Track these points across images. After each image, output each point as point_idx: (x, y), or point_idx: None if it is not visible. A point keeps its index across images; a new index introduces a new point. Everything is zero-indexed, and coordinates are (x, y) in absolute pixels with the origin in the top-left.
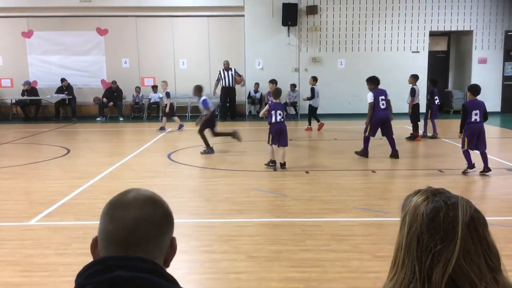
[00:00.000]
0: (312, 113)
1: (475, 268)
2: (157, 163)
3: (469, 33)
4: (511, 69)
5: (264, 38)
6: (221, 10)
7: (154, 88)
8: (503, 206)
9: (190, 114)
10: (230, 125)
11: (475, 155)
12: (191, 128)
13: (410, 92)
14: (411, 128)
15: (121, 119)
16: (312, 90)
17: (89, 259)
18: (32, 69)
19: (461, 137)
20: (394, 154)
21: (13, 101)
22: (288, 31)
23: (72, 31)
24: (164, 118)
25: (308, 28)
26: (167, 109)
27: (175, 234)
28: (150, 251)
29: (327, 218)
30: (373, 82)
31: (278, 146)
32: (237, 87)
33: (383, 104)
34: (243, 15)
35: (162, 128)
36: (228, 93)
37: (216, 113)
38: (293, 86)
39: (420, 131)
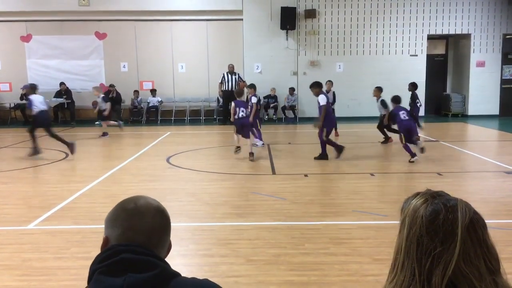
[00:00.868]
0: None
1: (475, 271)
2: (156, 167)
3: (467, 36)
4: (509, 73)
5: (263, 42)
6: (220, 14)
7: (153, 92)
8: (502, 209)
9: (188, 118)
10: (229, 128)
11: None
12: (190, 132)
13: (381, 104)
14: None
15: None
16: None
17: (88, 263)
18: (30, 73)
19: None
20: (324, 156)
21: (12, 105)
22: (287, 35)
23: (70, 35)
24: (105, 123)
25: (306, 32)
26: (106, 113)
27: (174, 237)
28: (159, 252)
29: (326, 222)
30: (318, 86)
31: (243, 136)
32: None
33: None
34: (241, 19)
35: (104, 134)
36: (230, 96)
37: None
38: (291, 90)
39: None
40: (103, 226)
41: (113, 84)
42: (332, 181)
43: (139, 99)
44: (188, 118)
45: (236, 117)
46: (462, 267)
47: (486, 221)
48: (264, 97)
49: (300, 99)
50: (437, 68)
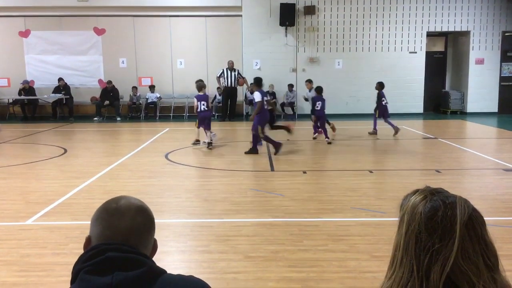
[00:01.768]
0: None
1: (473, 267)
2: (154, 163)
3: (466, 33)
4: (508, 70)
5: (262, 38)
6: (219, 10)
7: (152, 88)
8: (501, 206)
9: (187, 114)
10: (229, 125)
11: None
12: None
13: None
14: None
15: (118, 119)
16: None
17: None
18: (29, 68)
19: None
20: (254, 151)
21: (11, 100)
22: (286, 31)
23: (69, 30)
24: None
25: (305, 29)
26: None
27: (173, 233)
28: (141, 251)
29: (325, 218)
30: (258, 84)
31: (204, 130)
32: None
33: (265, 104)
34: (240, 15)
35: None
36: (229, 93)
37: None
38: (290, 87)
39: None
40: None
41: (111, 80)
42: (330, 178)
43: (138, 95)
44: (187, 114)
45: (198, 110)
46: (461, 264)
47: (484, 218)
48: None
49: (299, 96)
50: (436, 65)
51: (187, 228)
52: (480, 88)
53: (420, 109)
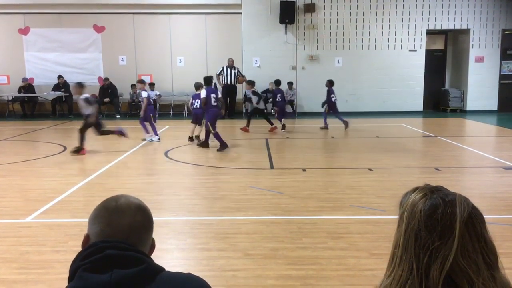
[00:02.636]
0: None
1: (473, 265)
2: (154, 160)
3: (466, 31)
4: (507, 68)
5: (262, 36)
6: (219, 8)
7: (151, 85)
8: (500, 204)
9: (187, 112)
10: (229, 123)
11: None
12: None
13: (252, 96)
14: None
15: (118, 116)
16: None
17: None
18: (28, 66)
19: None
20: (205, 145)
21: (10, 98)
22: (286, 29)
23: (69, 28)
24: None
25: (305, 26)
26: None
27: (173, 231)
28: (140, 249)
29: (324, 216)
30: (205, 81)
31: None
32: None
33: (215, 101)
34: (240, 13)
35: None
36: (229, 91)
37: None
38: (290, 84)
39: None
40: None
41: (107, 77)
42: (330, 175)
43: (137, 92)
44: (187, 112)
45: (192, 107)
46: (460, 262)
47: (484, 216)
48: (262, 92)
49: (299, 94)
50: (436, 63)
51: (186, 226)
52: (480, 86)
53: (419, 107)
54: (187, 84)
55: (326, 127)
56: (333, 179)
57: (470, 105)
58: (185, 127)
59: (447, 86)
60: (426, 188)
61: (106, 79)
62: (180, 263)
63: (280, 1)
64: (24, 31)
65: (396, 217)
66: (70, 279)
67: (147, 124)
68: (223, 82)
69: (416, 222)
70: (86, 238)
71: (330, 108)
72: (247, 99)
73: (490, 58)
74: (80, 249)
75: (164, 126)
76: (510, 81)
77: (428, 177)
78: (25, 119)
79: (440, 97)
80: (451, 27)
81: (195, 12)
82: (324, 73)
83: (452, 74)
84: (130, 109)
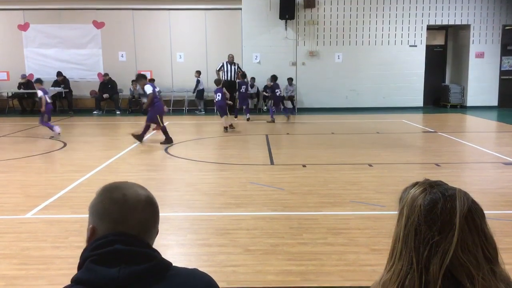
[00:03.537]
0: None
1: (473, 259)
2: (154, 156)
3: (466, 27)
4: (508, 64)
5: (262, 32)
6: (219, 3)
7: (151, 81)
8: (500, 199)
9: (187, 108)
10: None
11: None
12: (188, 122)
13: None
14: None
15: (118, 112)
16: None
17: None
18: (28, 62)
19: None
20: (168, 141)
21: (10, 94)
22: (286, 25)
23: (68, 24)
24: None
25: (305, 22)
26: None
27: (173, 227)
28: (149, 241)
29: (324, 212)
30: (144, 77)
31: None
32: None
33: (157, 96)
34: (240, 8)
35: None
36: (229, 87)
37: None
38: (290, 80)
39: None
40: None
41: (107, 73)
42: (330, 171)
43: (137, 88)
44: (187, 108)
45: (215, 101)
46: (460, 256)
47: (484, 211)
48: (263, 88)
49: (299, 90)
50: (436, 58)
51: (187, 222)
52: (480, 82)
53: (420, 102)
54: (187, 80)
55: (272, 121)
56: (333, 175)
57: (470, 101)
58: (185, 123)
59: (447, 82)
60: (426, 183)
61: (106, 74)
62: (180, 258)
63: None
64: (24, 27)
65: (396, 212)
66: (79, 267)
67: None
68: (223, 78)
69: (416, 217)
70: (92, 230)
71: (275, 103)
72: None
73: (490, 54)
74: (81, 244)
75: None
76: (510, 77)
77: (428, 173)
78: (24, 115)
79: (440, 93)
80: (451, 22)
81: (195, 8)
82: (324, 69)
83: (453, 70)
84: (130, 105)
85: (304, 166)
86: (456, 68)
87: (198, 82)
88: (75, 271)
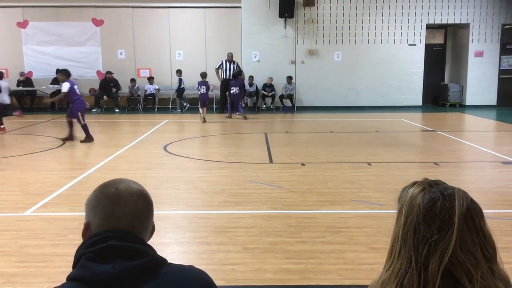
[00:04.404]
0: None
1: (471, 258)
2: (153, 154)
3: (465, 26)
4: (507, 63)
5: (261, 30)
6: (218, 1)
7: (150, 79)
8: (499, 199)
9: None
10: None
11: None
12: (188, 120)
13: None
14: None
15: (117, 110)
16: None
17: None
18: (27, 59)
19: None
20: (89, 139)
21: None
22: (285, 23)
23: (67, 21)
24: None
25: (305, 20)
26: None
27: (172, 225)
28: (143, 237)
29: (323, 210)
30: (66, 74)
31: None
32: None
33: (78, 93)
34: (239, 7)
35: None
36: (227, 85)
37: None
38: (289, 79)
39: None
40: None
41: (110, 71)
42: (329, 170)
43: (136, 86)
44: (187, 106)
45: (199, 93)
46: (459, 255)
47: (483, 210)
48: (262, 87)
49: (298, 88)
50: (435, 57)
51: (185, 220)
52: (479, 81)
53: (419, 101)
54: (186, 78)
55: (230, 116)
56: (332, 173)
57: (469, 100)
58: (185, 121)
59: (446, 81)
60: (425, 182)
61: (109, 72)
62: (179, 257)
63: None
64: (23, 24)
65: (395, 211)
66: (74, 265)
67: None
68: (222, 76)
69: (415, 216)
70: (87, 226)
71: (232, 100)
72: None
73: (489, 53)
74: (80, 241)
75: (163, 120)
76: (509, 76)
77: (427, 172)
78: (23, 112)
79: (440, 92)
80: (450, 21)
81: (194, 6)
82: (323, 68)
83: (452, 69)
84: (129, 103)
85: (303, 164)
86: (455, 67)
87: (180, 80)
88: None
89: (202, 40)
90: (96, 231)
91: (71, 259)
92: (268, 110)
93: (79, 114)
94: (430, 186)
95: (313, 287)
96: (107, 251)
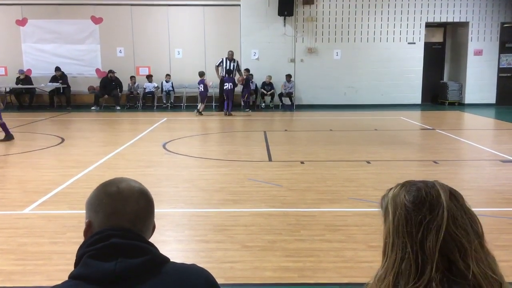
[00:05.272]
0: None
1: (464, 233)
2: (152, 152)
3: (465, 24)
4: (506, 61)
5: (260, 28)
6: None
7: (149, 77)
8: (497, 197)
9: (185, 104)
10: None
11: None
12: (187, 118)
13: None
14: None
15: (118, 108)
16: None
17: None
18: (26, 57)
19: None
20: (9, 137)
21: (7, 89)
22: (284, 21)
23: (66, 19)
24: None
25: (304, 19)
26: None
27: (171, 223)
28: (145, 235)
29: (322, 208)
30: None
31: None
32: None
33: None
34: (239, 5)
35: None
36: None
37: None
38: (288, 77)
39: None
40: None
41: (112, 69)
42: (328, 168)
43: (136, 84)
44: (185, 104)
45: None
46: (452, 230)
47: (480, 209)
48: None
49: (297, 86)
50: (434, 56)
51: (184, 218)
52: (478, 80)
53: (418, 100)
54: (186, 76)
55: (225, 114)
56: (331, 171)
57: (468, 98)
58: (183, 119)
59: (445, 79)
60: (401, 183)
61: (111, 71)
62: (178, 255)
63: None
64: (22, 22)
65: (382, 215)
66: (76, 264)
67: None
68: (222, 74)
69: (403, 207)
70: (88, 224)
71: (227, 95)
72: None
73: (488, 51)
74: (79, 239)
75: (162, 118)
76: (508, 74)
77: (426, 170)
78: (22, 110)
79: (439, 90)
80: (450, 20)
81: (194, 4)
82: (322, 66)
83: (451, 67)
84: (128, 101)
85: (302, 162)
86: (455, 66)
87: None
88: (72, 267)
89: (201, 38)
90: (98, 229)
91: (69, 257)
92: (267, 108)
93: None
94: (408, 183)
95: (312, 285)
96: (109, 249)
